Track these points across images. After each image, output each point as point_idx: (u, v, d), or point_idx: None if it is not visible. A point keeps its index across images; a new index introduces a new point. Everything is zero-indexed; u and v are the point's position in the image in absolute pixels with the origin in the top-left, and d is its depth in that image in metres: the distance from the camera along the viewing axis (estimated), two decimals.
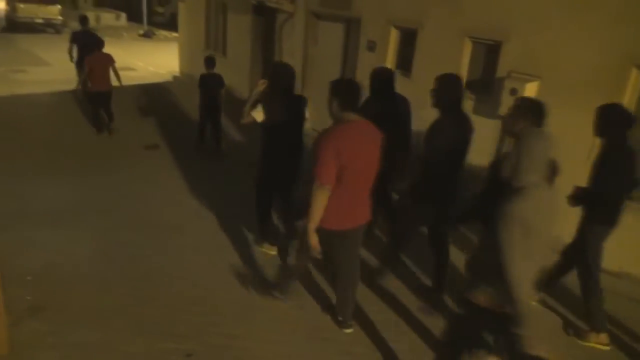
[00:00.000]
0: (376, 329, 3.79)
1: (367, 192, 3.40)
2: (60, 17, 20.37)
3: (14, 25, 19.63)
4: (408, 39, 6.88)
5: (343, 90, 3.25)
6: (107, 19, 24.20)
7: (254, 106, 4.19)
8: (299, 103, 4.37)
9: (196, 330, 3.63)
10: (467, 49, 6.08)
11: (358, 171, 3.21)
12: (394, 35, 7.08)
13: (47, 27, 19.71)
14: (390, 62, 7.15)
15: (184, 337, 3.54)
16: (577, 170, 3.90)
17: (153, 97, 10.94)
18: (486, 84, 5.89)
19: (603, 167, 3.53)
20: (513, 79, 5.34)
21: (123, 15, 24.80)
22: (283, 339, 3.63)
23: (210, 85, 7.15)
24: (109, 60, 7.60)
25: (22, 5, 19.72)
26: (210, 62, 7.20)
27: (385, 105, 4.45)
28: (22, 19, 19.64)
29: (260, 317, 3.83)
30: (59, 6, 20.46)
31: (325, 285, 4.26)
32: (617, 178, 3.50)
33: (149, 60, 16.27)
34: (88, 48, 7.93)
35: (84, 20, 9.24)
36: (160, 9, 25.99)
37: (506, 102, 5.30)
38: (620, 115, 3.53)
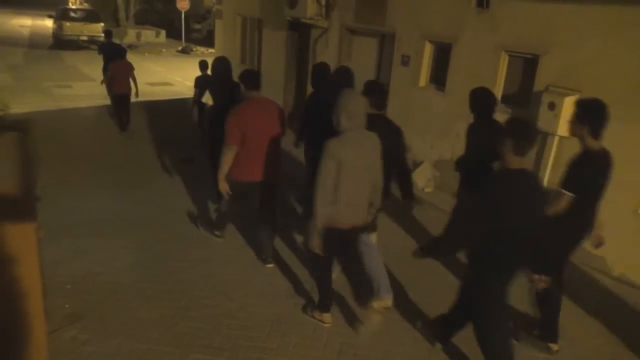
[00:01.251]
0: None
1: (263, 153, 4.37)
2: (103, 35, 21.15)
3: (61, 42, 20.48)
4: (442, 53, 6.82)
5: (245, 78, 4.41)
6: (147, 35, 24.97)
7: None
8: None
9: (230, 343, 3.63)
10: (504, 63, 5.98)
11: (254, 136, 4.29)
12: (428, 50, 7.04)
13: (91, 44, 20.48)
14: (424, 77, 7.11)
15: (218, 350, 3.54)
16: (628, 179, 3.77)
17: (189, 111, 11.15)
18: (523, 98, 5.77)
19: (471, 137, 4.30)
20: (551, 92, 5.20)
21: (162, 32, 25.55)
22: (315, 354, 3.60)
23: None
24: (129, 67, 8.70)
25: (68, 24, 20.57)
26: (203, 66, 7.89)
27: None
28: (68, 36, 20.47)
29: (293, 332, 3.81)
30: (102, 24, 21.23)
31: (353, 303, 4.20)
32: (482, 148, 3.97)
33: (186, 75, 16.65)
34: (111, 57, 9.09)
35: (108, 34, 10.87)
36: (197, 26, 26.66)
37: (544, 116, 5.18)
38: (486, 95, 4.23)
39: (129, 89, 8.76)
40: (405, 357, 3.61)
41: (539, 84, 5.49)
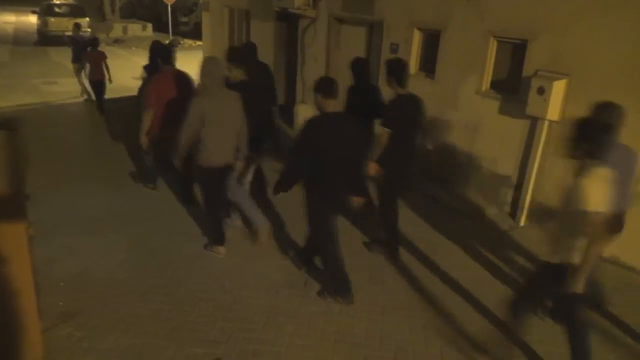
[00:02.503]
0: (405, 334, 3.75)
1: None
2: (88, 30, 20.87)
3: (46, 38, 20.17)
4: (431, 41, 6.81)
5: (159, 51, 5.93)
6: (134, 29, 24.69)
7: None
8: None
9: (227, 335, 3.64)
10: (492, 49, 5.97)
11: (164, 98, 5.34)
12: (417, 37, 7.02)
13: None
14: (413, 64, 7.09)
15: (215, 343, 3.55)
16: None
17: None
18: (513, 83, 5.78)
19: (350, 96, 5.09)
20: (540, 77, 5.22)
21: (149, 26, 25.28)
22: (312, 343, 3.61)
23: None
24: (102, 56, 9.74)
25: (52, 19, 20.27)
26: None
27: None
28: (53, 32, 20.18)
29: (288, 323, 3.83)
30: (88, 19, 20.94)
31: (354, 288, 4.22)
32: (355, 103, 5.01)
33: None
34: (79, 47, 10.40)
35: (76, 26, 11.54)
36: (185, 19, 26.40)
37: (534, 101, 5.20)
38: (362, 64, 5.13)
39: (103, 75, 9.76)
40: (401, 344, 3.64)
41: (528, 69, 5.50)
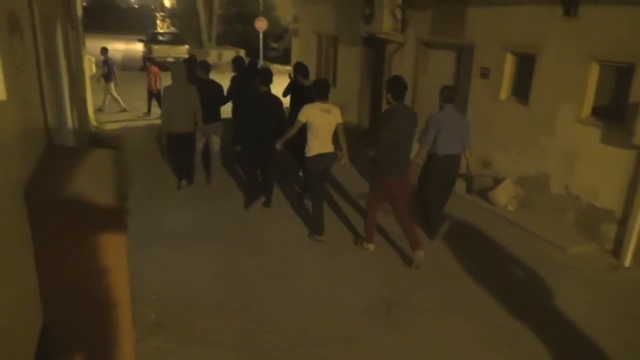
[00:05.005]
0: None
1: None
2: (187, 56, 22.37)
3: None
4: (525, 64, 6.52)
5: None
6: (227, 55, 26.03)
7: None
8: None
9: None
10: (594, 73, 5.60)
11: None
12: (509, 61, 6.75)
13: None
14: (505, 89, 6.82)
15: None
16: None
17: None
18: (617, 110, 5.36)
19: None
20: None
21: (242, 52, 26.61)
22: None
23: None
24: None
25: (156, 47, 21.96)
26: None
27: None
28: (156, 58, 21.85)
29: (368, 353, 3.73)
30: (187, 46, 22.47)
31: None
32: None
33: None
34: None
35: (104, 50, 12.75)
36: (275, 45, 27.50)
37: None
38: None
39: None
40: None
41: (635, 95, 5.07)
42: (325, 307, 4.30)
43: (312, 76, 12.63)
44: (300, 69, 7.26)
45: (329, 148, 5.37)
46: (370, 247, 5.29)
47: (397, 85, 4.85)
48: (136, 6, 57.31)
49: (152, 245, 5.24)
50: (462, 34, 7.34)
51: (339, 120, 5.35)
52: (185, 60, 8.23)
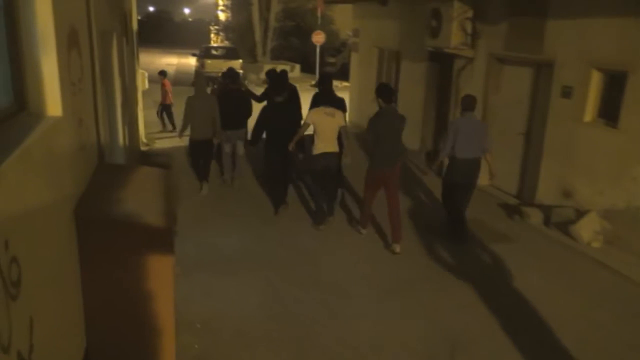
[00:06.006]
0: None
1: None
2: (241, 71, 23.13)
3: None
4: (615, 83, 6.26)
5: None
6: None
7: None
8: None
9: None
10: None
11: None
12: (595, 79, 6.51)
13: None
14: (590, 110, 6.57)
15: None
16: None
17: None
18: None
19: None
20: None
21: (297, 67, 27.17)
22: None
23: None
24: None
25: (209, 61, 22.85)
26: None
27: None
28: (209, 73, 22.72)
29: None
30: (241, 60, 23.24)
31: None
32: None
33: None
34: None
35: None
36: (332, 60, 27.92)
37: None
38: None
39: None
40: None
41: None
42: (384, 349, 4.22)
43: (372, 95, 12.70)
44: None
45: (332, 148, 6.40)
46: (363, 231, 6.47)
47: (386, 91, 6.12)
48: (190, 20, 60.10)
49: (199, 270, 5.36)
50: (541, 49, 7.16)
51: (342, 123, 6.39)
52: (223, 74, 9.15)
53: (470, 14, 8.30)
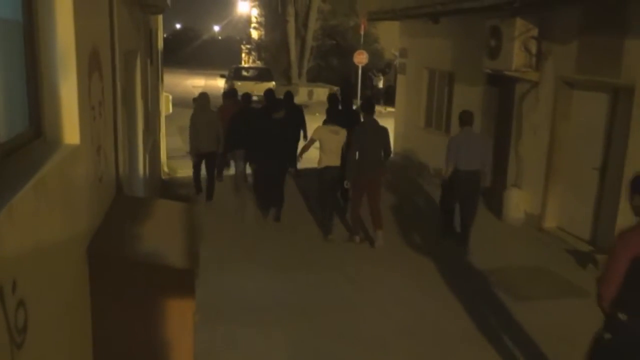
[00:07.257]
0: None
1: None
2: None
3: None
4: None
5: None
6: (319, 94, 27.05)
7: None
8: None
9: None
10: None
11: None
12: None
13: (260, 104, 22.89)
14: None
15: None
16: None
17: None
18: None
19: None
20: None
21: (336, 89, 27.49)
22: None
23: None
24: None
25: (239, 83, 23.33)
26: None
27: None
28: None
29: None
30: (274, 82, 23.65)
31: None
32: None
33: None
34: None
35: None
36: (379, 77, 28.12)
37: None
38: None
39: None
40: None
41: None
42: None
43: (422, 122, 12.70)
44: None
45: (335, 162, 7.80)
46: (356, 238, 7.75)
47: (368, 104, 8.08)
48: (220, 38, 61.94)
49: (222, 318, 5.36)
50: (619, 72, 7.04)
51: (344, 140, 7.78)
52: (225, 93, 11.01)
53: (534, 32, 8.25)
